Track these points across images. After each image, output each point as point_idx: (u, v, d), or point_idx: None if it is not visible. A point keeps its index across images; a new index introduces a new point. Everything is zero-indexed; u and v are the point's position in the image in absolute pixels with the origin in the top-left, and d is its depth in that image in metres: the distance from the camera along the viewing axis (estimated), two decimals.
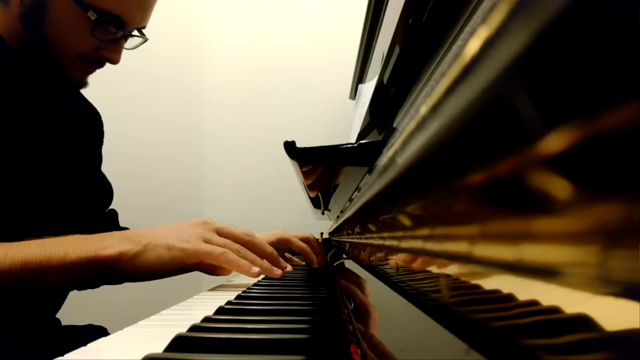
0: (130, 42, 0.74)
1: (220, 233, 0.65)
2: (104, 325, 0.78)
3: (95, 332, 0.69)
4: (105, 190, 0.89)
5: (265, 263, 0.66)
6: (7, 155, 0.64)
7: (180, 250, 0.58)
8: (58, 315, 0.80)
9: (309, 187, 0.75)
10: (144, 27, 0.74)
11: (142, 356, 0.27)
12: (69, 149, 0.78)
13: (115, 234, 0.60)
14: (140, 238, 0.58)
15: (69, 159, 0.77)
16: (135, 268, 0.57)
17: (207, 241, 0.61)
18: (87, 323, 0.80)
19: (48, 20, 0.66)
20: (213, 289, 0.68)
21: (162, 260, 0.57)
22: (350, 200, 0.57)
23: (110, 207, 0.92)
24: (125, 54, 0.75)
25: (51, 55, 0.69)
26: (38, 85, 0.73)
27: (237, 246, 0.64)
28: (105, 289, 0.90)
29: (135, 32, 0.73)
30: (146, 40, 0.76)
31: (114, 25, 0.68)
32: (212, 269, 0.66)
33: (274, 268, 0.68)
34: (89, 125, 0.86)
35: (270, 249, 0.70)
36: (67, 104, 0.80)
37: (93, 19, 0.65)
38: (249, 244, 0.66)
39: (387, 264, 0.31)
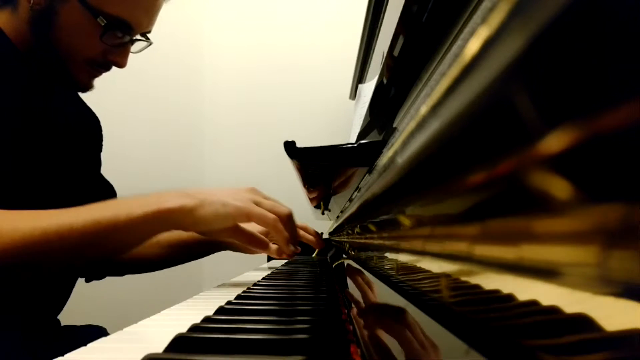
0: (135, 46, 0.76)
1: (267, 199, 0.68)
2: (104, 326, 0.78)
3: (94, 332, 0.69)
4: (106, 192, 0.90)
5: (291, 247, 0.68)
6: (8, 156, 0.65)
7: (234, 208, 0.61)
8: (58, 315, 0.80)
9: (309, 187, 0.75)
10: (149, 32, 0.76)
11: (142, 356, 0.27)
12: (69, 153, 0.78)
13: (173, 191, 0.63)
14: (197, 194, 0.61)
15: (69, 162, 0.78)
16: (195, 219, 0.60)
17: (257, 203, 0.64)
18: (86, 323, 0.80)
19: (57, 24, 0.68)
20: (213, 289, 0.68)
21: (218, 214, 0.60)
22: (350, 200, 0.57)
23: None
24: None
25: (59, 59, 0.70)
26: (42, 89, 0.73)
27: (285, 209, 0.67)
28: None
29: (141, 37, 0.75)
30: (151, 44, 0.77)
31: (122, 30, 0.70)
32: (248, 248, 0.70)
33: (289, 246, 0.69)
34: (89, 129, 0.88)
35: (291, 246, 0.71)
36: (69, 108, 0.81)
37: (102, 24, 0.67)
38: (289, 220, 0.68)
39: (387, 264, 0.31)
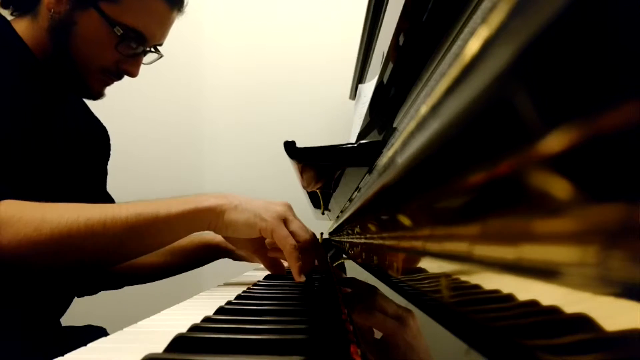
0: (147, 58, 0.80)
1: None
2: (104, 326, 0.78)
3: (94, 333, 0.69)
4: None
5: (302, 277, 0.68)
6: (19, 162, 0.65)
7: (262, 220, 0.63)
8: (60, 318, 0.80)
9: (309, 187, 0.75)
10: (161, 45, 0.79)
11: (142, 356, 0.27)
12: (77, 162, 0.79)
13: (211, 193, 0.66)
14: (234, 199, 0.64)
15: (76, 171, 0.79)
16: (224, 222, 0.62)
17: (286, 221, 0.66)
18: (86, 324, 0.80)
19: (75, 34, 0.70)
20: (213, 289, 0.68)
21: (247, 222, 0.63)
22: (350, 200, 0.57)
23: None
24: None
25: (74, 67, 0.72)
26: (56, 97, 0.75)
27: (307, 236, 0.67)
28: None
29: (153, 49, 0.79)
30: (162, 56, 0.81)
31: (136, 41, 0.73)
32: (270, 265, 0.72)
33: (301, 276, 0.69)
34: (98, 140, 0.90)
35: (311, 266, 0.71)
36: (79, 118, 0.84)
37: (119, 34, 0.70)
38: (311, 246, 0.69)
39: (387, 264, 0.31)
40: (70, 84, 0.75)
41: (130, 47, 0.73)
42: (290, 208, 0.68)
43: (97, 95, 0.78)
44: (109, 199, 0.91)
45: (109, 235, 0.56)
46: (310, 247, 0.67)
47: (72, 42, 0.71)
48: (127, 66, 0.75)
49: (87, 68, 0.73)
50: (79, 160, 0.80)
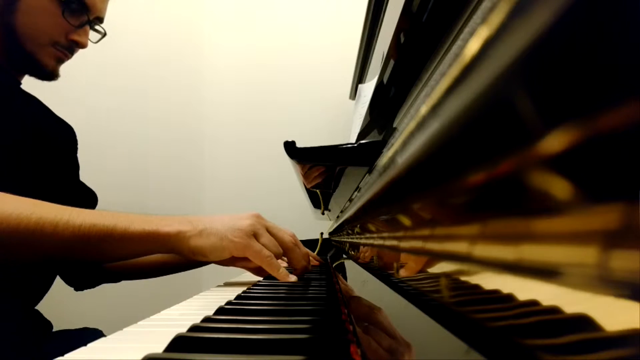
0: (94, 37, 0.83)
1: (269, 231, 0.68)
2: (102, 328, 0.78)
3: (90, 335, 0.69)
4: (86, 198, 0.90)
5: (291, 277, 0.68)
6: None
7: (231, 242, 0.62)
8: (52, 319, 0.79)
9: (309, 187, 0.75)
10: (102, 20, 0.83)
11: (142, 356, 0.27)
12: (42, 156, 0.79)
13: (177, 216, 0.65)
14: (198, 223, 0.63)
15: (42, 165, 0.79)
16: (190, 248, 0.61)
17: (256, 235, 0.65)
18: (82, 326, 0.80)
19: (20, 10, 0.73)
20: (213, 289, 0.68)
21: (214, 246, 0.62)
22: (350, 200, 0.57)
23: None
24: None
25: (24, 47, 0.74)
26: (10, 93, 0.75)
27: (280, 250, 0.68)
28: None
29: (97, 29, 0.82)
30: (105, 34, 0.85)
31: (79, 9, 0.76)
32: (256, 272, 0.71)
33: (291, 276, 0.69)
34: (61, 134, 0.89)
35: (305, 262, 0.72)
36: (40, 116, 0.84)
37: (62, 1, 0.73)
38: (291, 250, 0.69)
39: (387, 264, 0.31)
40: (24, 65, 0.76)
41: (76, 16, 0.76)
42: (259, 219, 0.67)
43: (52, 73, 0.79)
44: (84, 188, 0.91)
45: (58, 238, 0.54)
46: (287, 252, 0.67)
47: (19, 19, 0.73)
48: (76, 36, 0.77)
49: (37, 43, 0.74)
50: (43, 152, 0.79)
